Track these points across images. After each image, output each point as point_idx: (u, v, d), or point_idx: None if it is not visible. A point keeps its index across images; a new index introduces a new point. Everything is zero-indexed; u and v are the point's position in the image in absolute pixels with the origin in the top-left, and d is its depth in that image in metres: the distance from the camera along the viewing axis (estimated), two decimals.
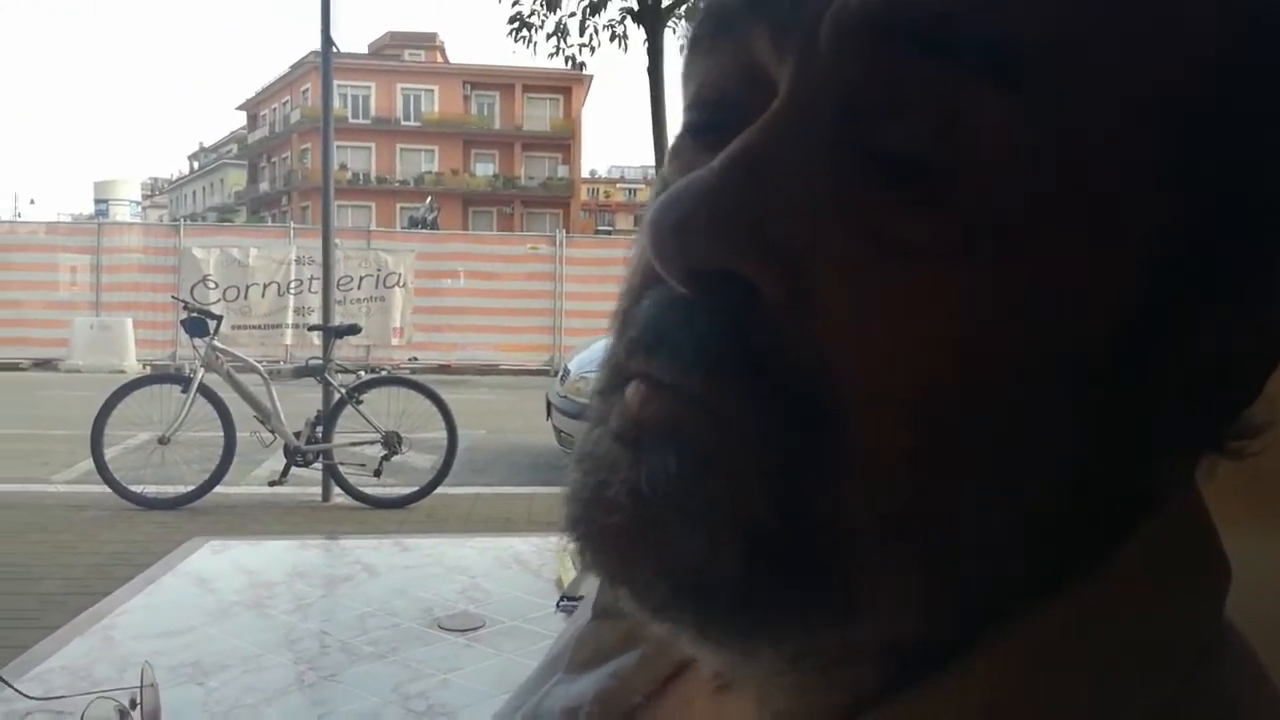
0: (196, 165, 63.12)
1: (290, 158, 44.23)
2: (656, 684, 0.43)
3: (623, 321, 0.32)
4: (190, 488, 5.86)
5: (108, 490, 5.81)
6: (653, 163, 6.35)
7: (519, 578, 2.50)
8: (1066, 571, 0.30)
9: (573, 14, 6.55)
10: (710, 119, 0.33)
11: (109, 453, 5.86)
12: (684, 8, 6.33)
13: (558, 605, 2.20)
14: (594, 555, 0.32)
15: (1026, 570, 0.30)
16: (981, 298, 0.28)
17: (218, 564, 2.64)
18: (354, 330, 6.75)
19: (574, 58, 6.81)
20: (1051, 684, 0.30)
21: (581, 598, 2.21)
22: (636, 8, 6.17)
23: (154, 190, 67.24)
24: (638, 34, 6.35)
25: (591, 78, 43.40)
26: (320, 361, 6.22)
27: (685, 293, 0.30)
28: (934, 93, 0.28)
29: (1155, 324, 0.29)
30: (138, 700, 1.35)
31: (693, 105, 0.34)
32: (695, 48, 0.34)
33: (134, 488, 5.82)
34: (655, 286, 0.31)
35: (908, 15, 0.28)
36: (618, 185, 61.97)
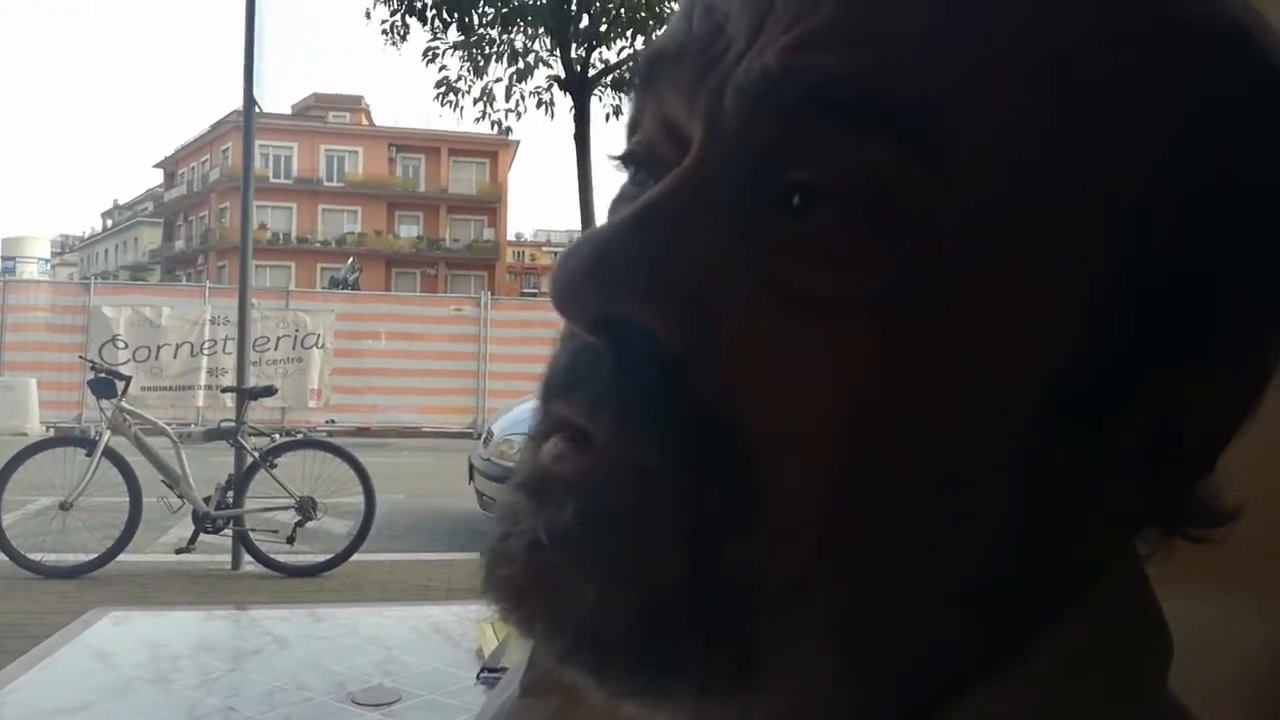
0: (110, 222, 61.66)
1: (208, 216, 43.52)
2: None
3: (547, 371, 0.33)
4: (93, 555, 5.63)
5: (4, 558, 5.53)
6: (579, 227, 6.40)
7: (438, 648, 2.43)
8: (996, 649, 0.30)
9: (499, 79, 6.62)
10: (637, 172, 0.34)
11: (7, 519, 5.61)
12: (609, 77, 6.45)
13: (478, 677, 2.14)
14: (497, 606, 0.31)
15: (947, 647, 0.30)
16: (895, 356, 0.27)
17: (119, 636, 2.52)
18: (269, 392, 6.60)
19: (500, 122, 6.87)
20: None
21: (504, 669, 2.18)
22: (564, 76, 6.27)
23: (64, 248, 65.40)
24: (564, 101, 6.44)
25: (518, 142, 43.75)
26: (233, 424, 6.06)
27: (591, 340, 0.30)
28: (837, 153, 0.28)
29: (1094, 388, 0.29)
30: None
31: (625, 159, 0.35)
32: (631, 101, 0.35)
33: (33, 555, 5.56)
34: (575, 335, 0.31)
35: (806, 81, 0.28)
36: (543, 248, 62.23)
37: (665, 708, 0.31)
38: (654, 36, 0.35)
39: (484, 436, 7.52)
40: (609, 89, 6.49)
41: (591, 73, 6.21)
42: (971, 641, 0.30)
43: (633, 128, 0.34)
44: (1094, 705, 0.30)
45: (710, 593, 0.28)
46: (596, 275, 0.29)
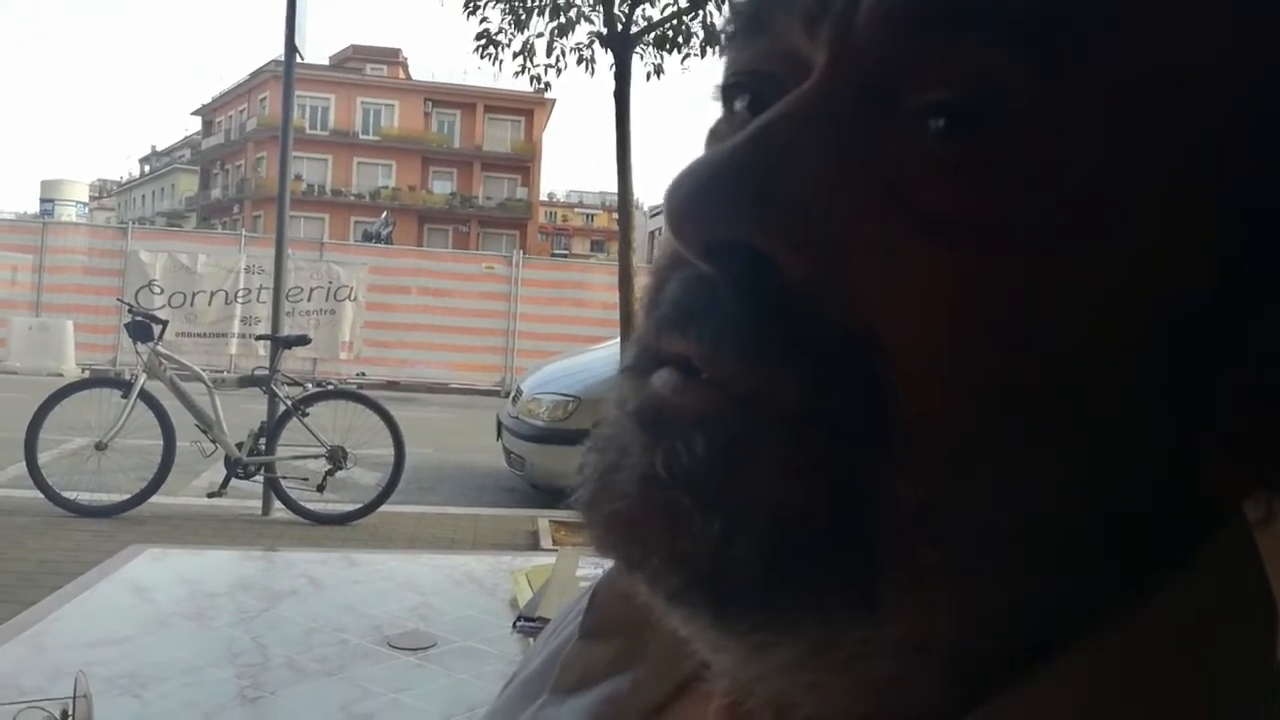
0: (148, 169, 62.16)
1: (244, 166, 43.74)
2: (652, 710, 0.41)
3: (651, 301, 0.31)
4: (126, 496, 5.72)
5: (40, 496, 5.64)
6: (614, 188, 6.36)
7: (472, 596, 2.45)
8: (1111, 596, 0.29)
9: (540, 34, 6.56)
10: (748, 99, 0.33)
11: (43, 457, 5.71)
12: (652, 35, 6.37)
13: (514, 625, 2.15)
14: (600, 539, 0.30)
15: (1067, 586, 0.29)
16: (1027, 279, 0.27)
17: (157, 572, 2.56)
18: (303, 341, 6.65)
19: (539, 78, 6.81)
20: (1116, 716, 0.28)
21: (540, 619, 2.18)
22: (605, 32, 6.20)
23: (102, 192, 66.06)
24: (605, 58, 6.37)
25: (554, 101, 43.57)
26: (266, 372, 6.12)
27: (706, 269, 0.29)
28: (969, 68, 0.27)
29: (1213, 323, 0.28)
30: (70, 711, 1.29)
31: (729, 87, 0.34)
32: (730, 42, 0.33)
33: (67, 494, 5.67)
34: (684, 265, 0.30)
35: None
36: (575, 209, 62.14)
37: (781, 643, 0.30)
38: None
39: (512, 394, 7.56)
40: (651, 47, 6.41)
41: (634, 30, 6.13)
42: (1089, 585, 0.29)
43: (736, 64, 0.33)
44: (1223, 649, 0.29)
45: (843, 523, 0.27)
46: (715, 198, 0.28)
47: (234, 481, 5.99)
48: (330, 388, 6.59)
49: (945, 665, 0.29)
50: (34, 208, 38.96)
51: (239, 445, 5.97)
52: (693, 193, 0.28)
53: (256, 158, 42.14)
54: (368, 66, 47.77)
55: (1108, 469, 0.28)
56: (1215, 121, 0.27)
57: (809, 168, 0.28)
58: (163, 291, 14.45)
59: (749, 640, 0.30)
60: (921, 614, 0.28)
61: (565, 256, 39.67)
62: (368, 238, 21.26)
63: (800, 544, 0.27)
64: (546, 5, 6.40)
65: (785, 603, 0.28)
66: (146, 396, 5.83)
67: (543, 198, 52.74)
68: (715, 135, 0.34)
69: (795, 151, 0.28)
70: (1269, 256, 0.28)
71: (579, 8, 6.40)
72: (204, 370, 6.55)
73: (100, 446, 5.75)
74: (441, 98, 45.49)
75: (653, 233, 41.43)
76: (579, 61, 6.64)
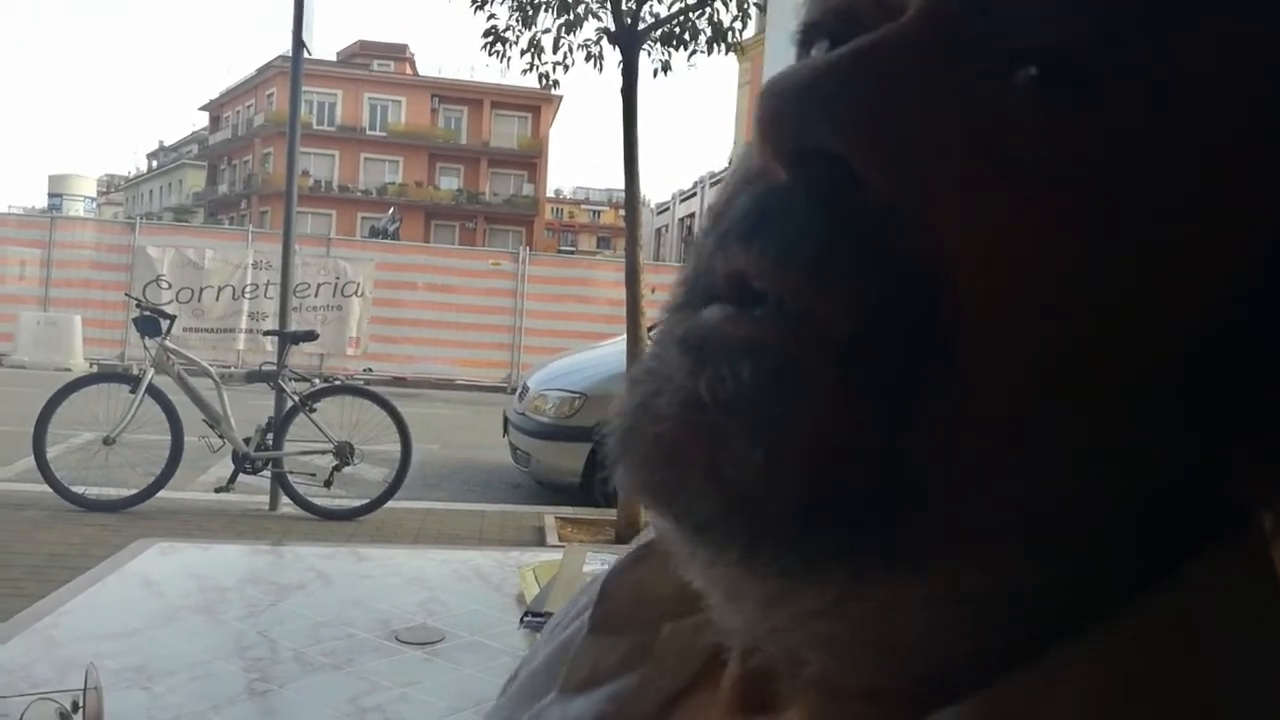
0: (155, 164, 62.22)
1: (252, 161, 43.77)
2: (658, 710, 0.40)
3: (715, 217, 0.30)
4: (134, 490, 5.73)
5: (48, 490, 5.65)
6: (621, 185, 6.36)
7: (479, 591, 2.46)
8: (1132, 583, 0.29)
9: (548, 31, 6.54)
10: (831, 32, 0.32)
11: (51, 452, 5.72)
12: (660, 31, 6.36)
13: (522, 620, 2.16)
14: (634, 467, 0.29)
15: (1093, 568, 0.29)
16: (1087, 239, 0.26)
17: (166, 566, 2.57)
18: (311, 336, 6.65)
19: (547, 75, 6.79)
20: (1150, 696, 0.28)
21: (547, 613, 2.19)
22: (612, 29, 6.19)
23: (110, 187, 66.15)
24: (612, 55, 6.35)
25: (561, 98, 43.52)
26: (274, 367, 6.12)
27: (786, 178, 0.28)
28: (1065, 19, 0.27)
29: (1256, 320, 0.28)
30: (80, 703, 1.30)
31: (812, 25, 0.33)
32: None
33: (76, 488, 5.68)
34: (757, 180, 0.29)
35: None
36: (582, 206, 62.07)
37: (804, 591, 0.29)
38: None
39: (519, 391, 7.56)
40: (658, 43, 6.39)
41: (641, 26, 6.12)
42: (1113, 570, 0.29)
43: (821, 2, 0.33)
44: (1222, 657, 0.29)
45: (891, 468, 0.27)
46: (808, 101, 0.28)
47: (241, 477, 6.00)
48: (337, 383, 6.60)
49: (972, 630, 0.29)
50: (42, 202, 39.08)
51: (246, 440, 5.98)
52: (791, 95, 0.28)
53: (264, 153, 42.14)
54: (375, 62, 47.76)
55: (1147, 455, 0.28)
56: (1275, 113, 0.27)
57: (906, 93, 0.28)
58: (170, 287, 14.47)
59: (771, 586, 0.30)
60: (954, 573, 0.28)
61: (572, 253, 39.65)
62: (374, 233, 21.28)
63: (842, 481, 0.27)
64: (554, 2, 6.38)
65: (820, 543, 0.27)
66: (154, 391, 5.84)
67: (549, 194, 52.68)
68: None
69: (894, 76, 0.28)
70: None
71: (587, 4, 6.38)
72: (211, 365, 6.56)
73: (108, 441, 5.77)
74: (448, 94, 45.47)
75: (659, 230, 41.33)
76: (586, 58, 6.63)
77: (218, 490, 6.03)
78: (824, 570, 0.28)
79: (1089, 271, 0.27)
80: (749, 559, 0.29)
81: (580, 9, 6.42)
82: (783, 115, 0.28)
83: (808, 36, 0.33)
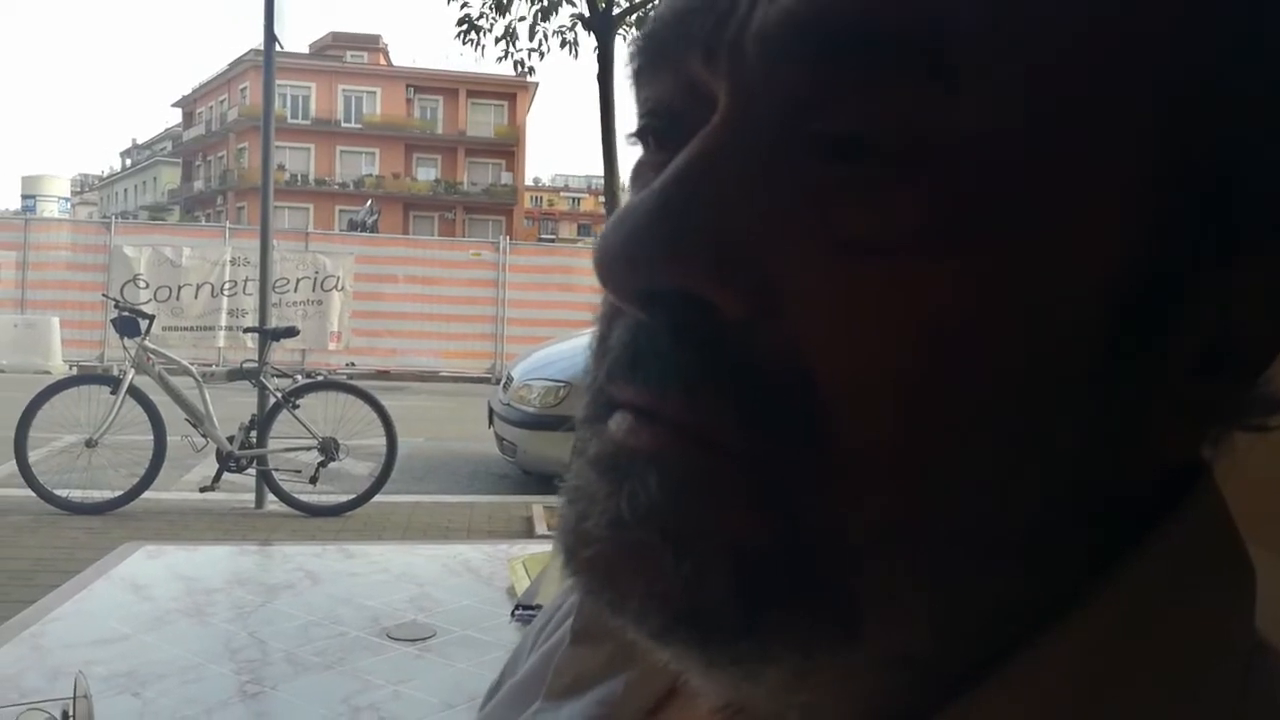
0: (129, 162, 61.66)
1: (227, 156, 43.44)
2: (645, 712, 0.41)
3: (599, 346, 0.32)
4: (118, 493, 5.71)
5: (31, 494, 5.62)
6: (600, 171, 6.34)
7: (469, 586, 2.45)
8: (1091, 570, 0.29)
9: (523, 18, 6.51)
10: (659, 138, 0.33)
11: (33, 455, 5.69)
12: (634, 16, 6.34)
13: (513, 614, 2.16)
14: (582, 589, 0.31)
15: (1045, 572, 0.29)
16: (952, 289, 0.27)
17: (153, 569, 2.55)
18: (291, 333, 6.62)
19: (522, 62, 6.77)
20: (1101, 695, 0.29)
21: (538, 606, 2.20)
22: (587, 14, 6.17)
23: (84, 187, 65.51)
24: (588, 41, 6.34)
25: (536, 85, 43.32)
26: (255, 364, 6.09)
27: (644, 318, 0.29)
28: (867, 89, 0.27)
29: (1151, 294, 0.28)
30: (70, 712, 1.29)
31: (642, 127, 0.34)
32: (637, 78, 0.33)
33: (59, 492, 5.65)
34: (625, 312, 0.30)
35: (830, 21, 0.27)
36: (561, 194, 61.89)
37: (768, 672, 0.30)
38: None
39: (503, 381, 7.54)
40: (634, 29, 6.38)
41: (616, 11, 6.10)
42: (1061, 565, 0.29)
43: (645, 102, 0.33)
44: (1201, 619, 0.30)
45: (804, 553, 0.28)
46: (639, 249, 0.28)
47: (226, 475, 5.98)
48: (320, 379, 6.58)
49: (928, 672, 0.30)
50: (15, 204, 38.66)
51: (230, 439, 5.95)
52: (618, 247, 0.29)
53: (238, 148, 41.84)
54: (348, 54, 47.42)
55: (1063, 460, 0.28)
56: (1136, 102, 0.27)
57: (726, 207, 0.28)
58: (148, 286, 14.36)
59: (736, 671, 0.31)
60: (898, 629, 0.29)
61: (552, 241, 39.56)
62: (353, 227, 21.13)
63: (767, 578, 0.28)
64: None
65: (764, 635, 0.28)
66: (135, 392, 5.80)
67: (528, 182, 52.52)
68: (637, 176, 0.34)
69: (711, 193, 0.28)
70: (1201, 223, 0.28)
71: None
72: (192, 364, 6.52)
73: (90, 443, 5.74)
74: (423, 84, 45.20)
75: None
76: (562, 44, 6.61)
77: (202, 490, 6.00)
78: (777, 656, 0.29)
79: (953, 329, 0.27)
80: (705, 658, 0.30)
81: None
82: (620, 267, 0.29)
83: (642, 135, 0.34)
